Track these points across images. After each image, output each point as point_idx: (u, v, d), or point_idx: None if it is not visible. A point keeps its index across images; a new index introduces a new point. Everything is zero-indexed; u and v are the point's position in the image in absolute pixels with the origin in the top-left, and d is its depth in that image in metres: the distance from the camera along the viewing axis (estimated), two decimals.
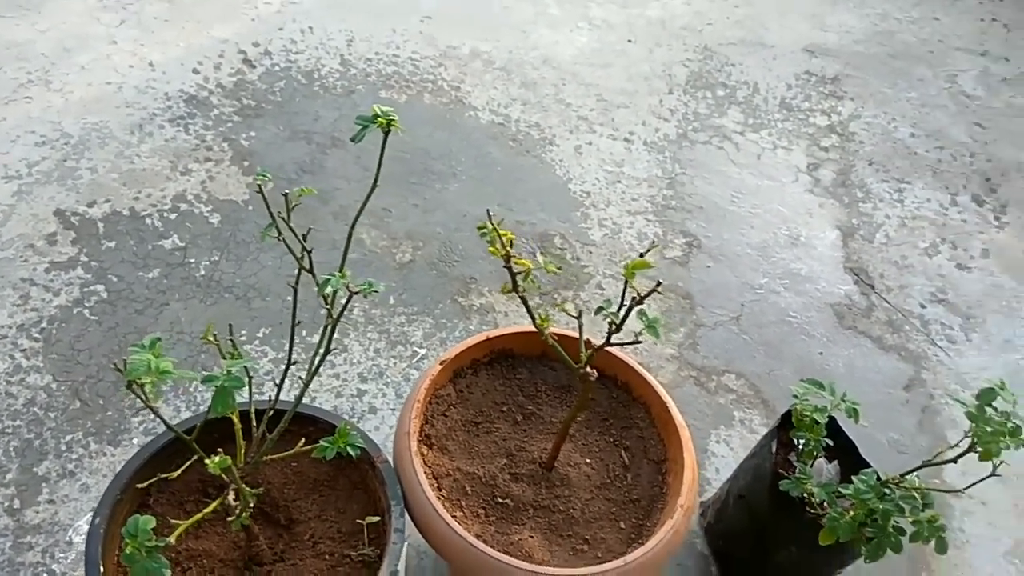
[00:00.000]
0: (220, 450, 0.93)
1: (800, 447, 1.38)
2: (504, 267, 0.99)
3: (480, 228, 0.96)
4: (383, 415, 1.67)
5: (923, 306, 2.17)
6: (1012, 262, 2.36)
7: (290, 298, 1.81)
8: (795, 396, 1.35)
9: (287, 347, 1.72)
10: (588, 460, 1.35)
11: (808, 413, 1.34)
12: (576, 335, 1.19)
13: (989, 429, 1.12)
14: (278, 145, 2.23)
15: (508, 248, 0.96)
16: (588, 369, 1.15)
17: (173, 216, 1.97)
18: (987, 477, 1.18)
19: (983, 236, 2.43)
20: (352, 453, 1.10)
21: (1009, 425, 1.12)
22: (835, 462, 1.44)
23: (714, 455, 1.75)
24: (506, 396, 1.41)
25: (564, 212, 2.23)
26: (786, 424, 1.41)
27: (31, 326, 1.70)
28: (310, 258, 1.08)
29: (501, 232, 0.94)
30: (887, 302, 2.16)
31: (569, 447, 1.36)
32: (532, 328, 1.20)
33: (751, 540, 1.46)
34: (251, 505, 1.06)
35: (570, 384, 1.45)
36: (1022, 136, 2.82)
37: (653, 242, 1.18)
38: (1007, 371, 2.06)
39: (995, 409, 1.16)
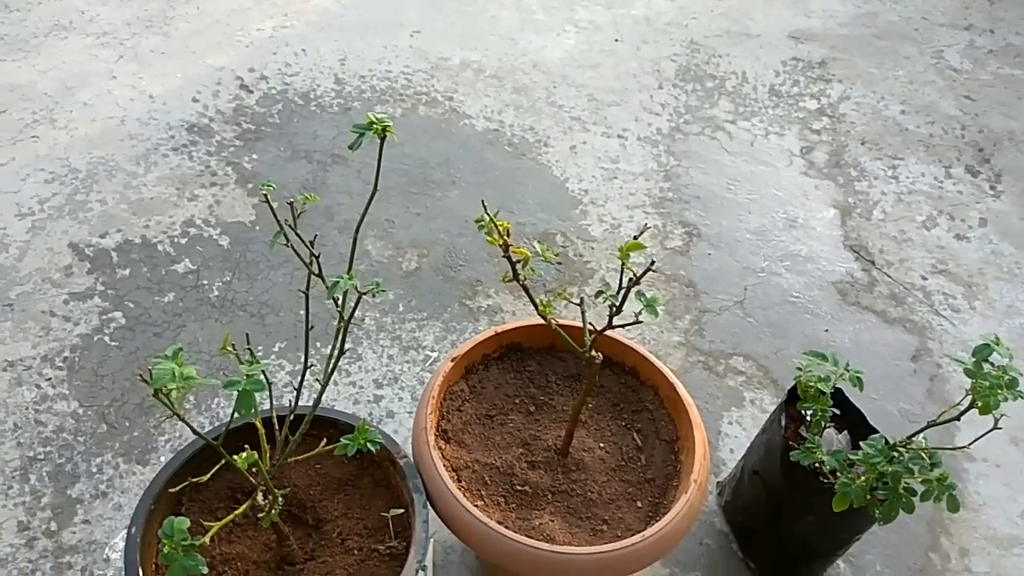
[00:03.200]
0: (246, 446, 0.97)
1: (808, 418, 1.41)
2: (503, 257, 1.03)
3: (477, 221, 1.00)
4: (400, 419, 1.71)
5: (924, 278, 2.20)
6: (1010, 229, 2.38)
7: (303, 312, 1.87)
8: (799, 368, 1.38)
9: (303, 356, 1.77)
10: (602, 444, 1.39)
11: (812, 384, 1.37)
12: (580, 324, 1.23)
13: (987, 383, 1.16)
14: (280, 166, 2.28)
15: (506, 237, 1.00)
16: (593, 353, 1.19)
17: (183, 241, 2.03)
18: (990, 431, 1.21)
19: (980, 206, 2.45)
20: (372, 449, 1.14)
21: (1006, 378, 1.15)
22: (844, 432, 1.47)
23: (727, 436, 1.78)
24: (518, 388, 1.45)
25: (563, 211, 2.27)
26: (794, 398, 1.44)
27: (54, 356, 1.75)
28: (318, 263, 1.12)
29: (498, 222, 0.98)
30: (888, 276, 2.19)
31: (582, 433, 1.40)
32: (539, 320, 1.24)
33: (767, 513, 1.49)
34: (279, 503, 1.10)
35: (579, 373, 1.48)
36: (1011, 106, 2.85)
37: (646, 225, 1.22)
38: (1011, 335, 2.08)
39: (992, 364, 1.19)
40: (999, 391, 1.14)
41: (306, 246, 1.12)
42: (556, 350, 1.50)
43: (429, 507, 1.21)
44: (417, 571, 1.13)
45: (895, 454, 1.29)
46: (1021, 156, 2.65)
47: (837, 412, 1.41)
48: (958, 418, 1.24)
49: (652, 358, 1.46)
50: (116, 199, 2.13)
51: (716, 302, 2.08)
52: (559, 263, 2.12)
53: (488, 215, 0.99)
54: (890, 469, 1.27)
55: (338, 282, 1.09)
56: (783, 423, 1.45)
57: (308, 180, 2.24)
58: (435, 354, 1.85)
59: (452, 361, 1.38)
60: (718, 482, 1.69)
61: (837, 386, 1.43)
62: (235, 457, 0.95)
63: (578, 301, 1.21)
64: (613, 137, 2.54)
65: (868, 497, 1.29)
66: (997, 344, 1.20)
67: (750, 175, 2.46)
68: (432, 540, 1.51)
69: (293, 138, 2.39)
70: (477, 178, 2.32)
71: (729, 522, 1.61)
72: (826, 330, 2.03)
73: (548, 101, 2.63)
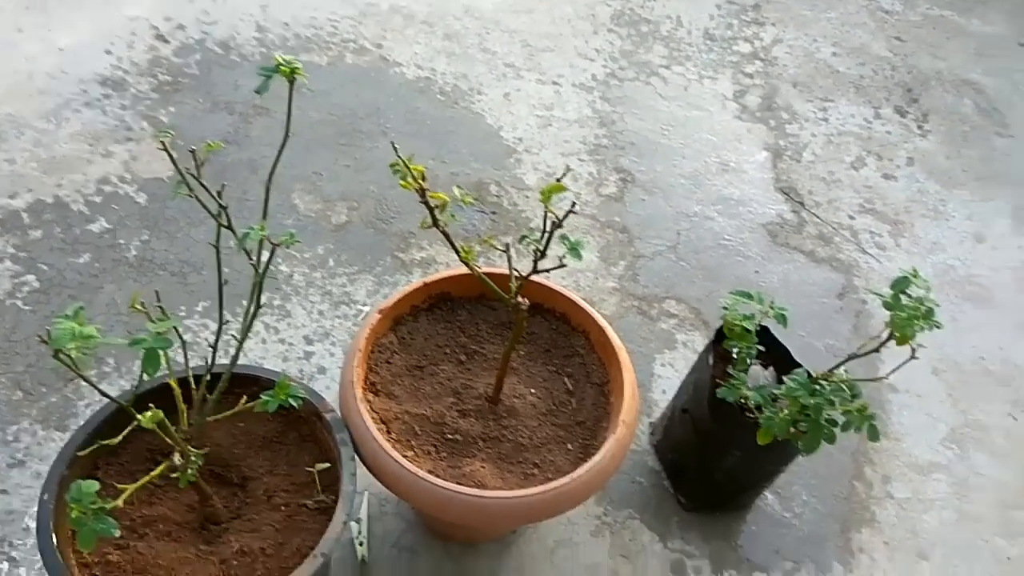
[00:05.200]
0: (152, 405, 0.94)
1: (734, 356, 1.43)
2: (420, 203, 1.00)
3: (392, 165, 0.97)
4: (332, 374, 1.69)
5: (852, 217, 2.24)
6: (936, 167, 2.44)
7: (227, 269, 1.81)
8: (724, 308, 1.40)
9: (225, 315, 1.72)
10: (533, 390, 1.39)
11: (738, 322, 1.39)
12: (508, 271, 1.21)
13: (904, 315, 1.18)
14: (199, 118, 2.19)
15: (421, 181, 0.97)
16: (519, 299, 1.18)
17: (98, 199, 1.94)
18: (908, 360, 1.24)
19: (907, 146, 2.50)
20: (295, 404, 1.11)
21: (923, 308, 1.18)
22: (771, 368, 1.50)
23: (660, 377, 1.80)
24: (448, 338, 1.43)
25: (498, 160, 2.24)
26: (722, 337, 1.45)
27: None
28: (227, 214, 1.08)
29: (412, 166, 0.95)
30: (817, 217, 2.22)
31: (514, 380, 1.39)
32: (468, 270, 1.22)
33: (697, 450, 1.52)
34: (195, 463, 1.08)
35: (510, 321, 1.47)
36: (939, 46, 2.89)
37: (567, 167, 1.20)
38: (936, 271, 2.15)
39: (910, 296, 1.21)
40: (916, 322, 1.17)
41: (212, 196, 1.07)
42: (486, 299, 1.48)
43: (357, 460, 1.19)
44: (345, 523, 1.12)
45: (817, 387, 1.32)
46: (947, 96, 2.70)
47: (763, 349, 1.43)
48: (877, 349, 1.28)
49: (582, 303, 1.45)
50: (26, 157, 2.02)
51: (650, 247, 2.08)
52: (493, 212, 2.09)
53: (401, 159, 0.96)
54: (812, 401, 1.30)
55: (248, 233, 1.05)
56: (711, 361, 1.47)
57: (229, 132, 2.16)
58: (367, 308, 1.82)
59: (379, 313, 1.36)
60: (650, 422, 1.71)
61: (763, 324, 1.45)
62: (140, 416, 0.92)
63: (503, 247, 1.19)
64: (548, 84, 2.50)
65: (791, 430, 1.32)
66: (915, 276, 1.23)
67: (684, 120, 2.45)
68: (366, 493, 1.50)
69: (212, 89, 2.28)
70: (408, 128, 2.26)
71: (660, 460, 1.64)
72: (756, 271, 2.06)
73: (481, 47, 2.57)
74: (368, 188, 2.07)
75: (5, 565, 1.35)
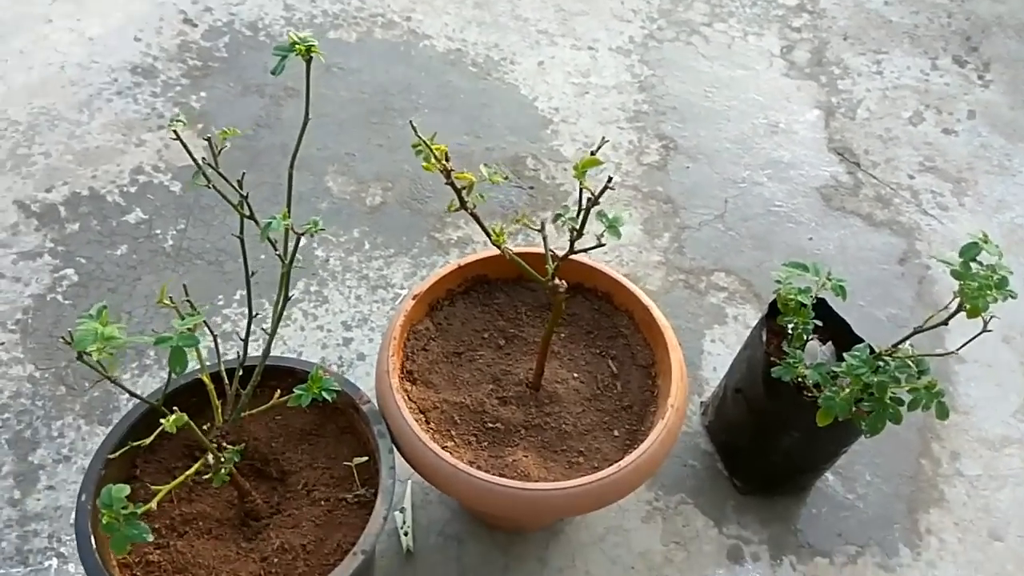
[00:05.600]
0: (175, 408, 0.91)
1: (789, 332, 1.35)
2: (446, 184, 0.94)
3: (414, 146, 0.91)
4: (372, 360, 1.65)
5: (911, 176, 2.11)
6: (999, 120, 2.28)
7: (263, 256, 1.78)
8: (778, 281, 1.31)
9: (262, 304, 1.70)
10: (576, 374, 1.33)
11: (792, 296, 1.31)
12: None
13: (975, 284, 1.09)
14: (230, 102, 2.16)
15: (444, 162, 0.91)
16: (556, 281, 1.12)
17: (133, 190, 1.92)
18: (980, 334, 1.15)
19: (968, 97, 2.34)
20: (328, 397, 1.08)
21: (995, 278, 1.08)
22: (829, 343, 1.42)
23: (710, 354, 1.73)
24: (486, 323, 1.38)
25: (534, 132, 2.16)
26: (775, 312, 1.37)
27: (6, 319, 1.67)
28: (248, 204, 1.04)
29: (434, 146, 0.89)
30: (874, 178, 2.10)
31: (556, 364, 1.34)
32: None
33: (751, 431, 1.44)
34: (234, 461, 1.05)
35: (550, 302, 1.41)
36: None
37: (603, 139, 1.12)
38: (1003, 231, 2.01)
39: (980, 264, 1.12)
40: (988, 292, 1.08)
41: (232, 185, 1.03)
42: (525, 280, 1.43)
43: (395, 452, 1.15)
44: (385, 518, 1.09)
45: (880, 364, 1.23)
46: (1010, 42, 2.52)
47: (820, 324, 1.35)
48: (946, 323, 1.18)
49: (625, 282, 1.38)
50: (60, 150, 2.02)
51: (696, 217, 1.99)
52: (531, 187, 2.02)
53: (422, 138, 0.90)
54: (875, 379, 1.21)
55: (270, 223, 1.01)
56: (764, 338, 1.39)
57: (261, 116, 2.12)
58: (404, 291, 1.78)
59: (414, 299, 1.31)
60: (701, 402, 1.64)
61: (820, 296, 1.36)
62: (162, 421, 0.89)
63: (539, 227, 1.13)
64: (583, 49, 2.40)
65: (853, 410, 1.24)
66: (985, 242, 1.13)
67: (729, 80, 2.34)
68: (409, 482, 1.47)
69: (243, 72, 2.25)
70: (441, 102, 2.20)
71: (713, 442, 1.58)
72: (810, 238, 1.96)
73: (512, 15, 2.48)
74: (402, 167, 2.02)
75: (55, 561, 1.36)
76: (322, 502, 1.17)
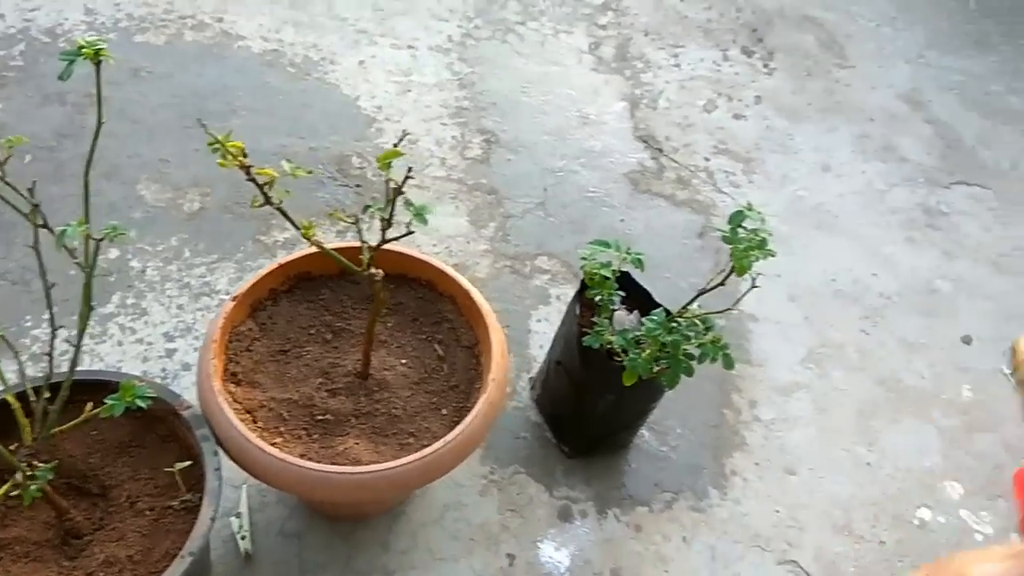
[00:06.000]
0: None
1: (598, 304, 1.47)
2: (247, 180, 0.96)
3: (210, 145, 0.92)
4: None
5: (707, 159, 2.32)
6: (782, 104, 2.55)
7: (73, 272, 1.70)
8: (583, 258, 1.43)
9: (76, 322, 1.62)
10: (404, 361, 1.38)
11: (596, 271, 1.42)
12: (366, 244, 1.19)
13: (741, 247, 1.24)
14: (30, 113, 2.03)
15: (242, 158, 0.93)
16: (373, 270, 1.16)
17: None
18: (748, 291, 1.31)
19: (755, 84, 2.60)
20: (143, 405, 1.07)
21: (757, 239, 1.24)
22: (635, 312, 1.55)
23: (536, 333, 1.84)
24: (312, 319, 1.41)
25: (358, 131, 2.19)
26: (585, 288, 1.49)
27: None
28: (42, 214, 1.01)
29: (230, 143, 0.91)
30: (675, 161, 2.30)
31: (383, 352, 1.38)
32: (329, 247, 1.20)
33: (573, 399, 1.56)
34: (47, 479, 1.02)
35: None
36: None
37: (404, 132, 1.18)
38: (787, 202, 2.26)
39: (745, 228, 1.27)
40: (751, 252, 1.23)
41: (21, 195, 1.00)
42: (348, 275, 1.46)
43: (220, 454, 1.16)
44: (213, 519, 1.09)
45: (674, 325, 1.37)
46: (790, 33, 2.82)
47: (623, 294, 1.48)
48: (723, 283, 1.34)
49: (446, 268, 1.45)
50: None
51: (518, 206, 2.10)
52: (358, 185, 2.05)
53: (213, 135, 0.91)
54: (670, 339, 1.35)
55: (65, 230, 0.99)
56: (577, 312, 1.51)
57: (65, 125, 2.01)
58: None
59: (233, 301, 1.31)
60: (530, 378, 1.74)
61: (624, 270, 1.49)
62: None
63: (352, 219, 1.17)
64: (403, 48, 2.45)
65: (656, 369, 1.38)
66: (750, 210, 1.28)
67: (543, 76, 2.47)
68: (244, 486, 1.47)
69: (42, 81, 2.12)
70: (260, 104, 2.17)
71: (541, 413, 1.68)
72: (622, 219, 2.12)
73: (330, 14, 2.49)
74: (221, 172, 1.95)
75: None
76: (147, 512, 1.15)
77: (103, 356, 1.60)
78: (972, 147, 2.53)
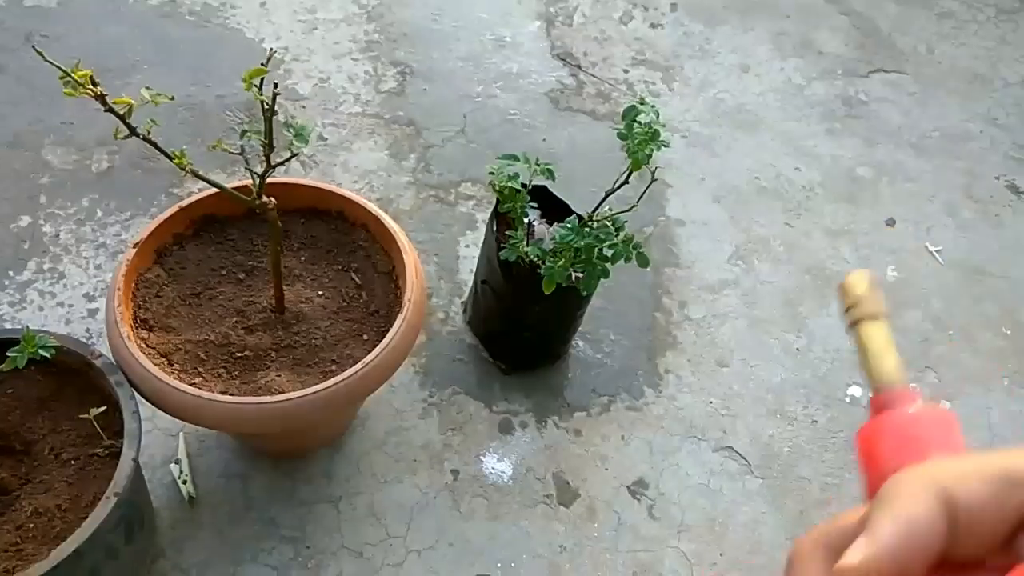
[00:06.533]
0: None
1: (512, 218, 1.47)
2: (106, 111, 0.94)
3: (61, 79, 0.90)
4: None
5: (626, 71, 2.31)
6: (698, 9, 2.54)
7: None
8: (491, 172, 1.42)
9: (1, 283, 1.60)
10: (320, 292, 1.38)
11: (505, 184, 1.42)
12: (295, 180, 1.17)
13: (636, 141, 1.25)
14: None
15: (94, 87, 0.90)
16: (264, 199, 1.15)
17: None
18: (651, 183, 1.33)
19: None
20: (46, 355, 1.06)
21: (650, 132, 1.25)
22: (555, 225, 1.56)
23: (465, 258, 1.84)
24: (222, 260, 1.39)
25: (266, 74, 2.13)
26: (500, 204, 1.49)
27: None
28: None
29: (78, 72, 0.88)
30: (594, 76, 2.28)
31: (300, 286, 1.38)
32: (228, 187, 1.18)
33: (501, 315, 1.58)
34: None
35: (288, 230, 1.45)
36: None
37: (271, 50, 1.16)
38: (708, 106, 2.27)
39: (640, 123, 1.28)
40: (645, 145, 1.24)
41: None
42: (257, 214, 1.44)
43: (137, 398, 1.16)
44: (135, 459, 1.10)
45: (586, 230, 1.39)
46: None
47: (535, 205, 1.48)
48: (627, 181, 1.35)
49: (355, 197, 1.44)
50: None
51: (438, 135, 2.08)
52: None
53: (54, 63, 0.88)
54: (583, 243, 1.37)
55: None
56: (494, 229, 1.51)
57: None
58: None
59: (134, 247, 1.29)
60: (462, 302, 1.76)
61: (541, 184, 1.50)
62: None
63: (237, 150, 1.15)
64: None
65: (575, 276, 1.39)
66: (643, 104, 1.29)
67: (454, 3, 2.42)
68: (181, 433, 1.48)
69: None
70: (161, 56, 2.11)
71: (475, 334, 1.70)
72: (544, 139, 2.11)
73: None
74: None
75: None
76: (72, 462, 1.15)
77: (25, 323, 1.58)
78: (888, 35, 2.54)
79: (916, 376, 1.80)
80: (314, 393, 1.17)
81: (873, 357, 0.47)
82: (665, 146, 1.26)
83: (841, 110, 2.32)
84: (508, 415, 1.61)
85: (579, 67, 2.30)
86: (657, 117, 1.29)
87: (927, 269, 2.00)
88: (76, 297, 1.64)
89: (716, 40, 2.45)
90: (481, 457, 1.55)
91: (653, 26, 2.45)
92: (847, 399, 1.74)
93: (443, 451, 1.55)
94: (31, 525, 1.09)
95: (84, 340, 1.57)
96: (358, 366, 1.21)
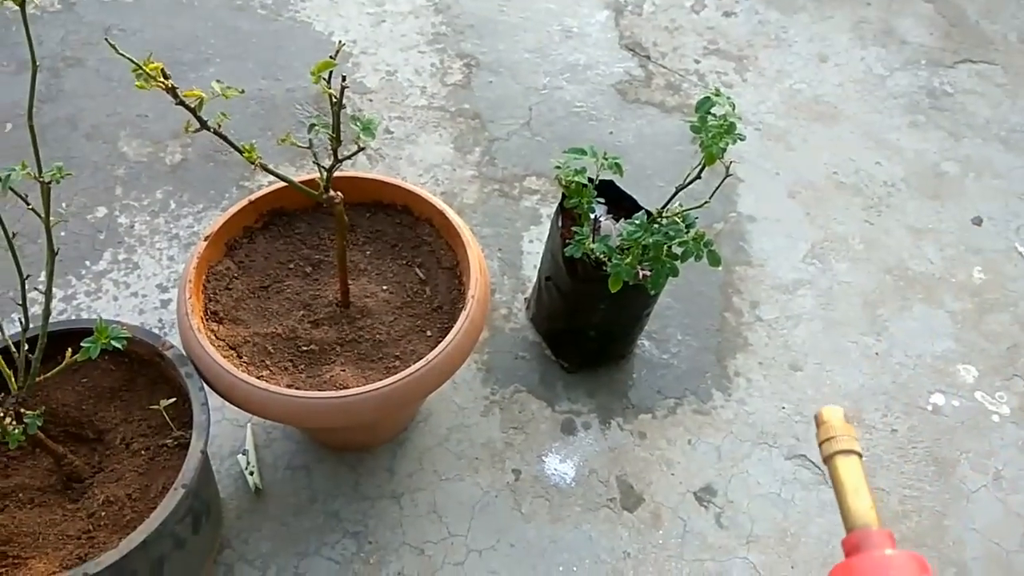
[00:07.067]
0: None
1: (578, 214, 1.44)
2: (177, 104, 0.94)
3: (133, 71, 0.90)
4: None
5: (697, 61, 2.24)
6: None
7: (63, 234, 1.72)
8: (556, 167, 1.39)
9: (70, 281, 1.65)
10: (385, 286, 1.38)
11: (571, 179, 1.39)
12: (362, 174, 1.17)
13: (710, 134, 1.20)
14: (5, 81, 2.03)
15: (166, 80, 0.90)
16: (331, 193, 1.14)
17: None
18: (725, 178, 1.28)
19: None
20: (118, 346, 1.07)
21: (725, 125, 1.19)
22: (622, 220, 1.52)
23: (529, 254, 1.81)
24: (290, 253, 1.40)
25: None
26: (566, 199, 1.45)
27: None
28: None
29: (150, 64, 0.88)
30: (664, 67, 2.22)
31: (364, 281, 1.38)
32: (295, 180, 1.19)
33: (566, 313, 1.54)
34: (37, 426, 1.04)
35: (354, 224, 1.44)
36: None
37: (340, 42, 1.15)
38: (783, 97, 2.18)
39: (714, 116, 1.22)
40: (720, 138, 1.19)
41: None
42: (324, 208, 1.44)
43: (206, 390, 1.17)
44: (203, 452, 1.11)
45: (655, 226, 1.34)
46: None
47: (601, 201, 1.44)
48: (699, 176, 1.30)
49: (420, 191, 1.43)
50: None
51: (503, 128, 2.05)
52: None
53: (127, 57, 0.88)
54: (651, 240, 1.32)
55: (10, 174, 0.98)
56: (560, 225, 1.48)
57: (41, 91, 2.00)
58: None
59: (205, 240, 1.31)
60: (525, 298, 1.73)
61: (609, 179, 1.45)
62: None
63: (306, 144, 1.15)
64: None
65: (643, 274, 1.35)
66: (717, 95, 1.23)
67: None
68: (249, 424, 1.49)
69: (15, 49, 2.11)
70: (233, 50, 2.14)
71: (539, 332, 1.67)
72: (611, 132, 2.06)
73: None
74: None
75: None
76: (142, 452, 1.17)
77: (100, 312, 1.62)
78: (976, 22, 2.40)
79: (1003, 384, 1.69)
80: (377, 389, 1.17)
81: (849, 495, 0.47)
82: (741, 139, 1.20)
83: (925, 102, 2.20)
84: (571, 415, 1.58)
85: (648, 57, 2.24)
86: (733, 109, 1.23)
87: (1016, 271, 1.88)
88: (150, 287, 1.67)
89: (792, 28, 2.36)
90: (543, 457, 1.52)
91: (726, 14, 2.37)
92: (929, 407, 1.65)
93: (505, 450, 1.53)
94: (103, 513, 1.12)
95: (157, 330, 1.60)
96: (421, 363, 1.20)
